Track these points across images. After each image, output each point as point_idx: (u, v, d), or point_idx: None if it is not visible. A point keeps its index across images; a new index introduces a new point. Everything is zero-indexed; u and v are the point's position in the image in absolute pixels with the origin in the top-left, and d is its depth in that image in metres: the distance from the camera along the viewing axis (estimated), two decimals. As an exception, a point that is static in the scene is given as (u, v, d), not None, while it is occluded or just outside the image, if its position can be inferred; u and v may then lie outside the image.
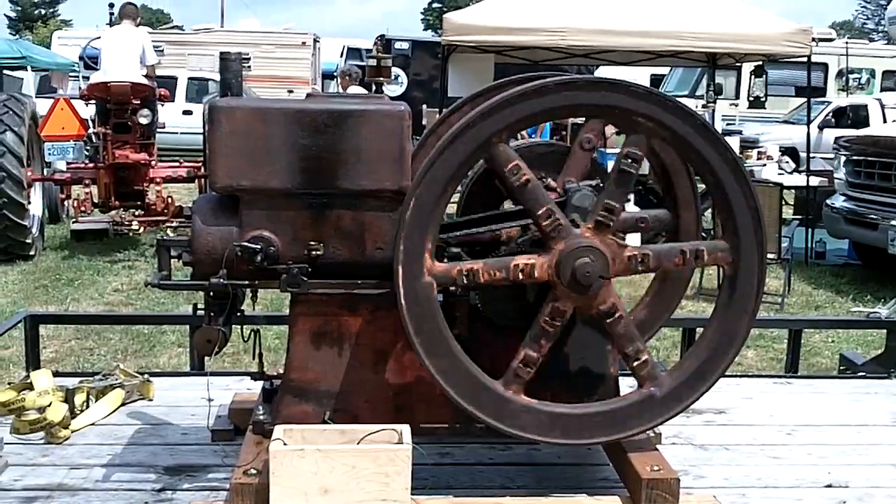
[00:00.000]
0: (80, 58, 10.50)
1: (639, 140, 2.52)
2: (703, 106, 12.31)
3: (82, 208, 9.50)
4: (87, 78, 10.26)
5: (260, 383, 2.91)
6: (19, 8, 59.99)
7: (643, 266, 2.59)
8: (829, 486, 2.92)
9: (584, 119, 2.72)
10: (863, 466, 3.08)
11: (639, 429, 2.64)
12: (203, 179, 9.67)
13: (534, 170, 2.55)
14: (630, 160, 2.52)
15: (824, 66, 20.09)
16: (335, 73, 25.94)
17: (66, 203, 10.57)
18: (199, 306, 2.71)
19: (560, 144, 3.16)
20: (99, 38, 9.90)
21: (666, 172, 2.96)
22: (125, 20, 9.95)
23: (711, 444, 3.23)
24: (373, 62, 2.84)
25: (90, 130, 9.83)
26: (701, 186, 2.85)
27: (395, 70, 16.96)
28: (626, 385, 2.86)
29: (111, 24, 10.39)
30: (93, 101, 9.70)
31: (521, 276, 2.53)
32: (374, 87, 2.98)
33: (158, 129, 10.12)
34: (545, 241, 2.54)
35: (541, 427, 2.58)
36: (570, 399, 2.65)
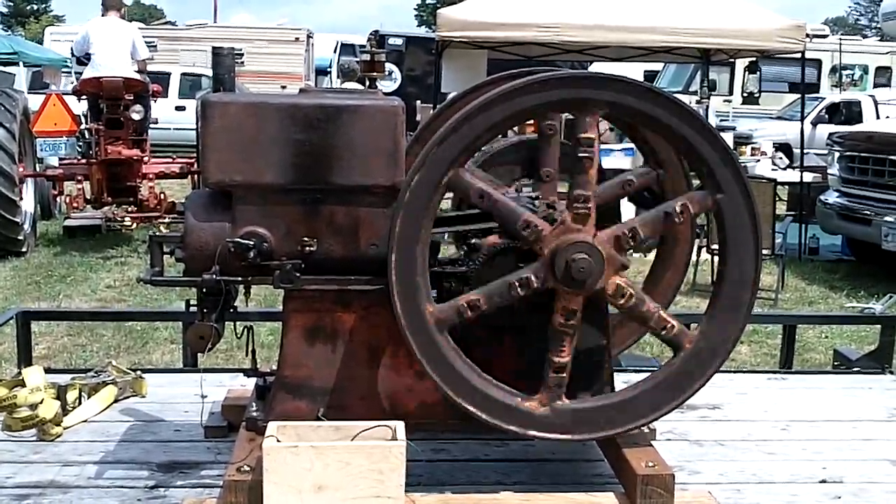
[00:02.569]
0: (72, 53, 10.44)
1: (587, 123, 2.49)
2: (697, 102, 12.32)
3: (74, 204, 9.47)
4: (80, 74, 10.21)
5: (253, 380, 2.89)
6: (11, 3, 59.75)
7: (634, 240, 2.57)
8: (824, 481, 2.92)
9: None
10: (857, 462, 3.08)
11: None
12: (196, 175, 9.65)
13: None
14: (584, 146, 2.49)
15: (818, 63, 20.13)
16: (328, 69, 25.94)
17: (58, 199, 10.54)
18: (192, 302, 2.70)
19: (523, 138, 3.15)
20: (86, 31, 9.82)
21: (635, 131, 2.96)
22: (110, 12, 9.90)
23: (706, 440, 3.23)
24: (366, 58, 2.82)
25: (82, 126, 9.80)
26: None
27: (389, 66, 16.92)
28: (621, 381, 2.86)
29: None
30: (85, 97, 9.67)
31: (521, 293, 2.51)
32: (367, 83, 2.97)
33: (151, 125, 10.10)
34: (532, 250, 2.53)
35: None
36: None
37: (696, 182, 2.81)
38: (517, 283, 2.50)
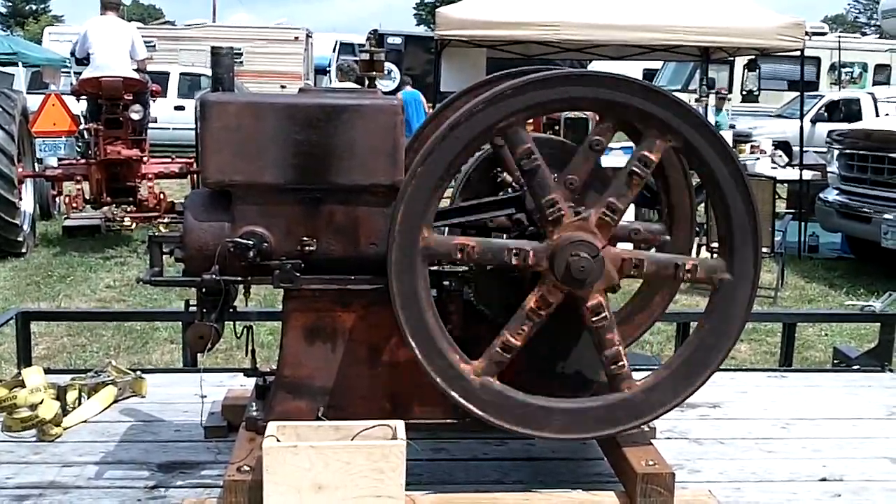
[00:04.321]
0: (71, 53, 10.44)
1: (655, 145, 2.49)
2: (696, 100, 12.32)
3: (74, 205, 9.46)
4: (79, 74, 10.21)
5: (253, 380, 2.89)
6: (10, 3, 59.75)
7: (636, 271, 2.58)
8: (824, 479, 2.92)
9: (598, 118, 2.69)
10: (857, 460, 3.08)
11: (634, 423, 2.63)
12: (195, 175, 9.64)
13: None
14: (642, 163, 2.49)
15: (817, 60, 20.13)
16: (328, 69, 25.93)
17: (57, 199, 10.52)
18: (192, 302, 2.70)
19: (555, 140, 3.14)
20: (85, 31, 9.81)
21: (668, 187, 2.94)
22: (109, 11, 9.89)
23: (706, 439, 3.23)
24: (366, 57, 2.82)
25: (81, 126, 9.79)
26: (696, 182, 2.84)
27: (388, 65, 16.93)
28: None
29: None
30: (84, 97, 9.66)
31: (513, 261, 2.51)
32: (366, 82, 2.97)
33: (150, 125, 10.09)
34: (544, 229, 2.52)
35: (536, 421, 2.58)
36: (566, 394, 2.64)
37: (696, 181, 2.82)
38: (514, 251, 2.50)
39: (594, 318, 2.55)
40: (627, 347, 2.77)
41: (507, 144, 2.51)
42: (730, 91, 18.33)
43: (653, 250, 2.84)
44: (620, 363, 2.58)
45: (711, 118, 13.78)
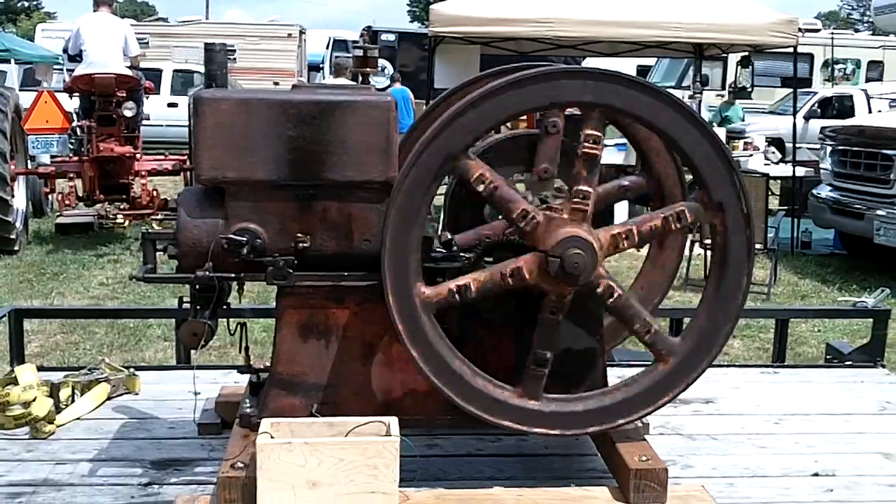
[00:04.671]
0: (64, 50, 10.41)
1: (596, 120, 2.50)
2: (690, 96, 12.33)
3: (67, 202, 9.43)
4: (71, 70, 10.19)
5: (247, 376, 2.89)
6: (2, 0, 59.51)
7: (629, 241, 2.58)
8: (817, 474, 2.93)
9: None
10: (850, 455, 3.09)
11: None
12: (188, 172, 9.62)
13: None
14: (591, 141, 2.50)
15: (810, 57, 20.14)
16: (321, 65, 25.90)
17: (50, 197, 10.50)
18: (185, 299, 2.69)
19: (522, 133, 3.15)
20: (78, 27, 9.79)
21: (640, 147, 2.96)
22: (102, 7, 9.87)
23: (699, 434, 3.23)
24: (359, 54, 2.82)
25: (74, 123, 9.76)
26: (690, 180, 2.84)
27: (382, 62, 16.90)
28: (615, 376, 2.87)
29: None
30: (77, 94, 9.64)
31: (511, 282, 2.52)
32: (360, 79, 2.96)
33: (143, 122, 10.06)
34: (527, 240, 2.53)
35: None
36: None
37: (688, 177, 2.82)
38: (509, 273, 2.51)
39: (609, 301, 2.56)
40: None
41: (458, 177, 2.53)
42: (723, 87, 18.36)
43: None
44: (654, 330, 2.60)
45: (705, 114, 13.81)
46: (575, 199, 2.52)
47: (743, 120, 15.69)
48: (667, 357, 2.62)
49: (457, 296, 2.51)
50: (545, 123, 2.77)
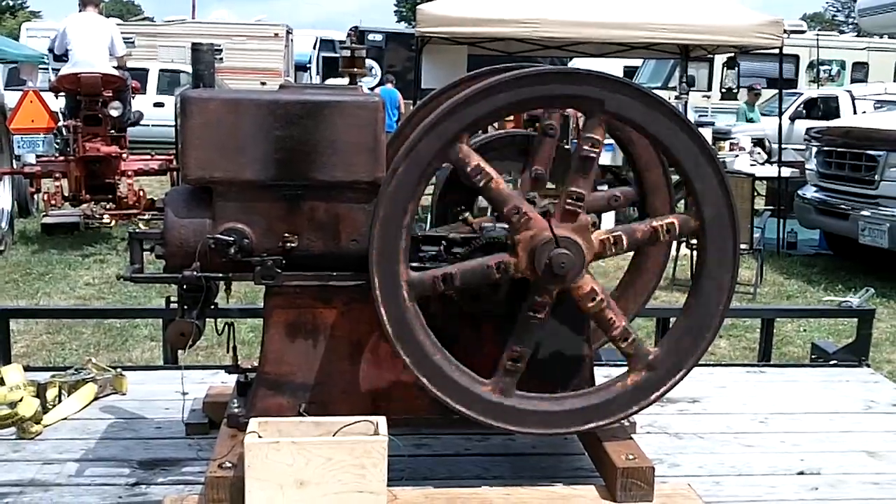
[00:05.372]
0: (49, 50, 10.36)
1: (597, 124, 2.51)
2: (676, 97, 12.39)
3: (52, 202, 9.39)
4: (57, 70, 10.14)
5: (234, 376, 2.89)
6: (-14, -1, 59.13)
7: (617, 248, 2.60)
8: (802, 472, 2.95)
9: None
10: (835, 453, 3.12)
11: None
12: (175, 172, 9.59)
13: (495, 163, 2.56)
14: (590, 145, 2.51)
15: (795, 58, 20.26)
16: (308, 65, 25.84)
17: (35, 197, 10.44)
18: (173, 299, 2.69)
19: (519, 133, 3.16)
20: (64, 27, 9.75)
21: (634, 162, 2.98)
22: (88, 7, 9.83)
23: (686, 433, 3.25)
24: (346, 54, 2.82)
25: (60, 123, 9.72)
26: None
27: (369, 62, 16.90)
28: (602, 375, 2.88)
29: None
30: (63, 93, 9.59)
31: (497, 276, 2.53)
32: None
33: (138, 121, 10.04)
34: (517, 236, 2.54)
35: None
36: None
37: (675, 178, 2.84)
38: (495, 266, 2.52)
39: (590, 305, 2.57)
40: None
41: (454, 167, 2.54)
42: (709, 88, 18.42)
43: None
44: (631, 339, 2.61)
45: (688, 116, 13.85)
46: (568, 201, 2.53)
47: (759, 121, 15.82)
48: (641, 370, 2.63)
49: (441, 283, 2.52)
50: (544, 126, 2.76)
